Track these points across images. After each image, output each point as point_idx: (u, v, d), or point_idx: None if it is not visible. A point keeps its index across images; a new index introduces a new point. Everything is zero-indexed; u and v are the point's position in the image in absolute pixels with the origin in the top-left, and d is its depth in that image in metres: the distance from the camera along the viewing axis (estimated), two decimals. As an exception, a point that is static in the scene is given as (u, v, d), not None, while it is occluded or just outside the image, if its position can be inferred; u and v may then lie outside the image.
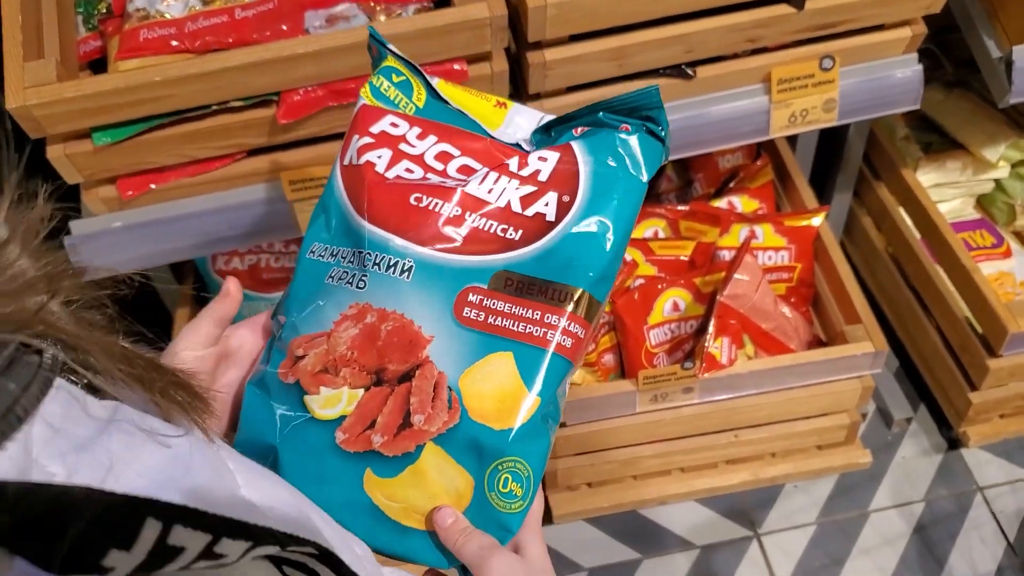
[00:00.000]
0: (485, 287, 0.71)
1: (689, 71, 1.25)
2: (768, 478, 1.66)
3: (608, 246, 0.72)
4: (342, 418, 0.71)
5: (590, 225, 0.72)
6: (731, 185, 1.75)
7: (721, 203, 1.72)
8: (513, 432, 0.68)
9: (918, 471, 1.76)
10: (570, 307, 0.70)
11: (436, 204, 0.73)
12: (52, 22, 1.16)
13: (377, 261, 0.72)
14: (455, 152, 0.77)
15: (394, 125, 0.78)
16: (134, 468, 0.43)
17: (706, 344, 1.45)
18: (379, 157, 0.76)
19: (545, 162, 0.74)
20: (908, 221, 1.73)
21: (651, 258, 1.62)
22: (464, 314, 0.70)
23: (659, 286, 1.57)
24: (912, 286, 1.75)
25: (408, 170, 0.76)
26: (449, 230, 0.72)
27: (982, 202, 1.84)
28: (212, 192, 1.23)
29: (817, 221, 1.63)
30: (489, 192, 0.74)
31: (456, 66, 1.14)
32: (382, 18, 1.16)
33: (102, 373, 0.45)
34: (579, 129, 0.77)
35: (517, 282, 0.71)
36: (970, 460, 1.76)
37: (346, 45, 1.07)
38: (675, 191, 1.79)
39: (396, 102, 0.80)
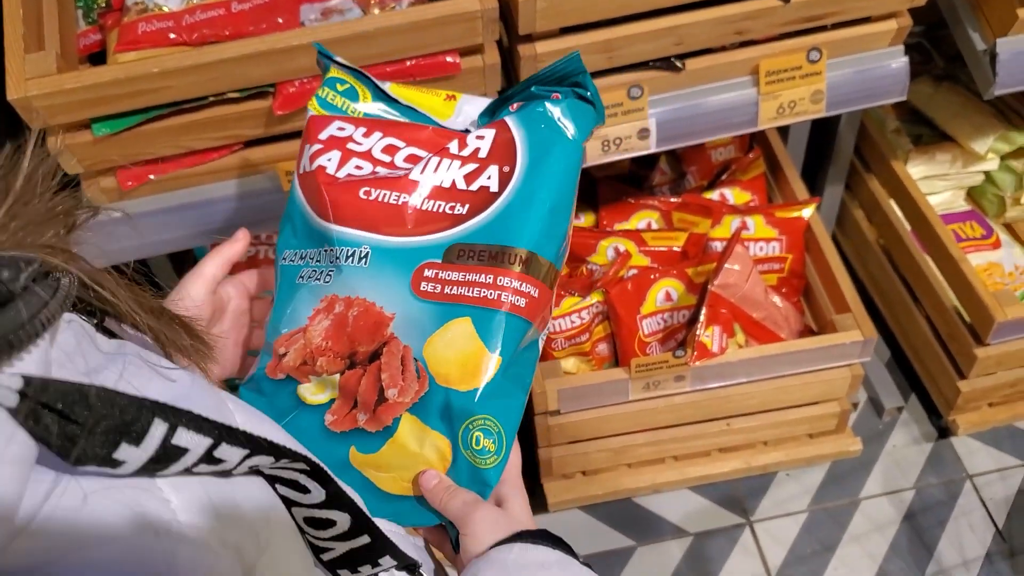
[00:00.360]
0: (439, 261, 0.75)
1: (678, 63, 1.27)
2: (760, 466, 1.68)
3: (547, 206, 0.76)
4: (331, 401, 0.76)
5: (530, 189, 0.76)
6: (723, 177, 1.77)
7: (713, 195, 1.75)
8: (479, 392, 0.73)
9: (908, 459, 1.78)
10: (517, 267, 0.74)
11: (385, 195, 0.78)
12: (52, 15, 1.18)
13: (338, 255, 0.77)
14: (400, 144, 0.82)
15: (340, 128, 0.83)
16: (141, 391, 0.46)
17: (697, 333, 1.48)
18: (329, 160, 0.81)
19: (483, 139, 0.79)
20: (899, 213, 1.75)
21: (644, 249, 1.65)
22: (422, 288, 0.75)
23: (652, 276, 1.59)
24: (902, 277, 1.78)
25: (357, 167, 0.81)
26: (400, 215, 0.77)
27: (972, 194, 1.86)
28: (210, 183, 1.25)
29: (808, 213, 1.65)
30: (435, 174, 0.78)
31: (449, 58, 1.16)
32: (376, 11, 1.18)
33: (115, 309, 0.48)
34: (515, 104, 0.81)
35: (467, 251, 0.75)
36: (960, 448, 1.79)
37: (340, 37, 1.09)
38: (668, 183, 1.82)
39: (343, 108, 0.87)
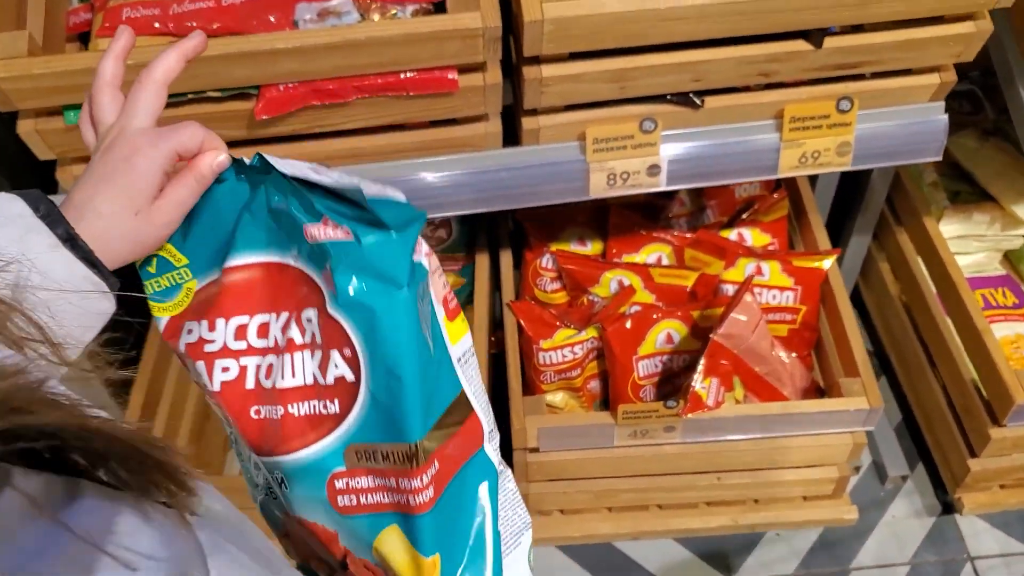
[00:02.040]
0: (344, 469, 0.66)
1: (696, 100, 1.18)
2: (748, 524, 1.60)
3: (410, 380, 0.62)
4: None
5: (381, 372, 0.62)
6: (744, 216, 1.67)
7: (732, 234, 1.65)
8: None
9: (907, 532, 1.68)
10: (415, 464, 0.63)
11: (270, 411, 0.67)
12: (41, -10, 1.12)
13: (269, 481, 0.70)
14: (245, 319, 0.69)
15: (189, 332, 0.70)
16: None
17: (693, 383, 1.39)
18: (204, 373, 0.70)
19: (311, 322, 0.65)
20: (925, 272, 1.65)
21: (650, 285, 1.56)
22: (340, 504, 0.66)
23: (654, 316, 1.50)
24: (922, 340, 1.68)
25: (225, 369, 0.69)
26: (289, 428, 0.66)
27: (1010, 258, 1.75)
28: (188, 180, 1.18)
29: (827, 264, 1.55)
30: (293, 378, 0.66)
31: (449, 75, 1.08)
32: (376, 16, 1.10)
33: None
34: (309, 232, 0.64)
35: (365, 453, 0.65)
36: (964, 527, 1.69)
37: (328, 44, 1.01)
38: (686, 216, 1.72)
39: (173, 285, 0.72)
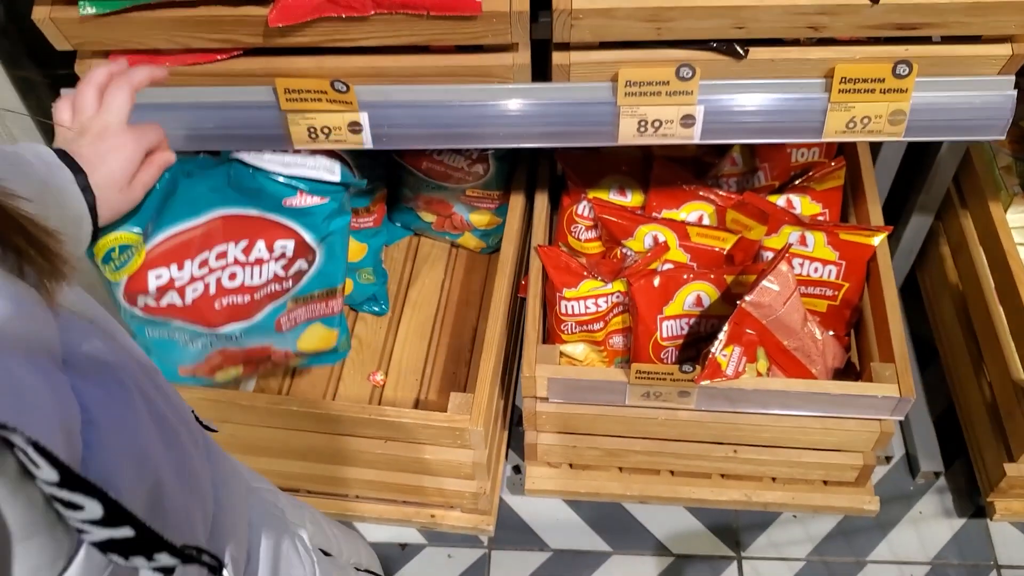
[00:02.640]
0: (286, 310, 1.27)
1: (740, 50, 1.11)
2: (762, 502, 1.54)
3: (343, 259, 1.31)
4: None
5: (332, 259, 1.29)
6: (797, 182, 1.59)
7: (780, 200, 1.57)
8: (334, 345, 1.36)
9: (933, 531, 1.60)
10: (337, 293, 1.32)
11: (236, 299, 1.22)
12: None
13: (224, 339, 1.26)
14: (205, 255, 1.19)
15: (158, 276, 1.16)
16: None
17: (713, 349, 1.33)
18: (178, 298, 1.20)
19: (285, 247, 1.23)
20: (984, 260, 1.55)
21: (685, 244, 1.49)
22: (283, 327, 1.28)
23: (684, 276, 1.44)
24: (974, 331, 1.58)
25: (195, 290, 1.20)
26: (254, 306, 1.24)
27: (1083, 255, 1.63)
28: (206, 86, 1.16)
29: (877, 241, 1.46)
30: (260, 278, 1.23)
31: (470, -4, 1.03)
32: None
33: None
34: (289, 201, 1.24)
35: (303, 298, 1.28)
36: (995, 533, 1.60)
37: (343, -48, 0.97)
38: (737, 176, 1.64)
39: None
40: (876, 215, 1.52)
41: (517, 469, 1.70)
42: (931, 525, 1.61)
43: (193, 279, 1.18)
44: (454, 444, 1.36)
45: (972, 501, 1.63)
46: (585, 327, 1.49)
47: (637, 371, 1.34)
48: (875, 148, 1.60)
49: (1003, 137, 1.16)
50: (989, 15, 1.04)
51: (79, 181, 0.85)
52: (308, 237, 1.22)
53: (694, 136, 1.17)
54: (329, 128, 1.19)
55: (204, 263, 1.18)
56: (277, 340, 1.29)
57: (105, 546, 0.45)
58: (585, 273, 1.47)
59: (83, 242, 0.88)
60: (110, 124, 0.91)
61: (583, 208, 1.58)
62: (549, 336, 1.53)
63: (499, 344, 1.42)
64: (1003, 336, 1.48)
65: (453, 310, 1.69)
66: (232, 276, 1.21)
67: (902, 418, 1.37)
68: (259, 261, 1.22)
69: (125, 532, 0.45)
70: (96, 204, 0.87)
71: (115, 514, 0.44)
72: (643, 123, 1.16)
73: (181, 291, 1.18)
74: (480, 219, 1.69)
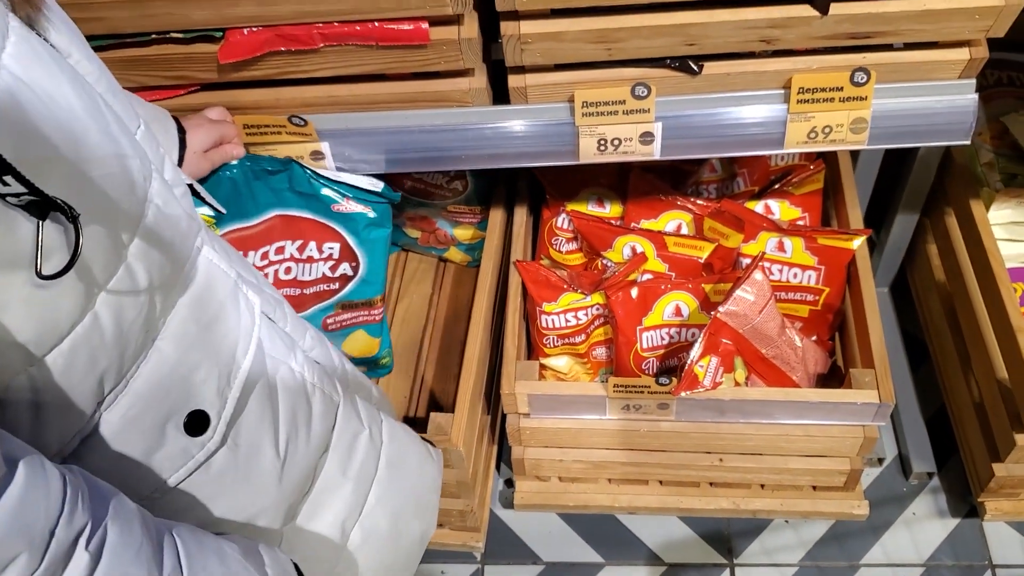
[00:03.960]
0: (333, 312, 1.39)
1: (694, 66, 1.10)
2: (751, 510, 1.53)
3: (383, 270, 1.40)
4: None
5: (374, 267, 1.38)
6: (776, 187, 1.58)
7: (758, 206, 1.56)
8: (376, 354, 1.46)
9: (926, 532, 1.59)
10: (379, 302, 1.41)
11: (291, 292, 1.36)
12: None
13: None
14: (267, 248, 1.34)
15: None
16: None
17: (690, 360, 1.33)
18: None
19: (333, 248, 1.35)
20: (968, 259, 1.53)
21: (663, 253, 1.49)
22: (328, 327, 1.40)
23: (662, 286, 1.44)
24: (960, 331, 1.56)
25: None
26: (305, 300, 1.37)
27: (1071, 249, 1.61)
28: (168, 121, 1.17)
29: (856, 244, 1.45)
30: (311, 275, 1.36)
31: (422, 26, 1.03)
32: (351, -38, 1.05)
33: None
34: (337, 207, 1.31)
35: (349, 303, 1.39)
36: (990, 533, 1.58)
37: (286, -11, 0.97)
38: (716, 182, 1.64)
39: None
40: (856, 218, 1.51)
41: (510, 483, 1.71)
42: (924, 526, 1.60)
43: (254, 267, 1.26)
44: (436, 463, 1.36)
45: (966, 501, 1.61)
46: (567, 340, 1.50)
47: (615, 385, 1.34)
48: (855, 150, 1.58)
49: (968, 142, 1.15)
50: (941, 22, 1.04)
51: (180, 136, 1.06)
52: (352, 241, 1.34)
53: (654, 153, 1.17)
54: (291, 158, 1.20)
55: (265, 255, 1.32)
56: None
57: None
58: (565, 286, 1.47)
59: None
60: (204, 119, 1.12)
61: (563, 220, 1.58)
62: (532, 350, 1.54)
63: (480, 363, 1.43)
64: (987, 335, 1.46)
65: (441, 325, 1.69)
66: (288, 270, 1.34)
67: (884, 423, 1.36)
68: (310, 259, 1.34)
69: None
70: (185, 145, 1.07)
71: None
72: (603, 142, 1.16)
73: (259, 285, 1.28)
74: (464, 233, 1.69)
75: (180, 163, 1.04)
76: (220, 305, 0.78)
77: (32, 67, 0.59)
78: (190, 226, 0.76)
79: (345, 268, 1.36)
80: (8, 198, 0.54)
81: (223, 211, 1.16)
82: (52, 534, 0.52)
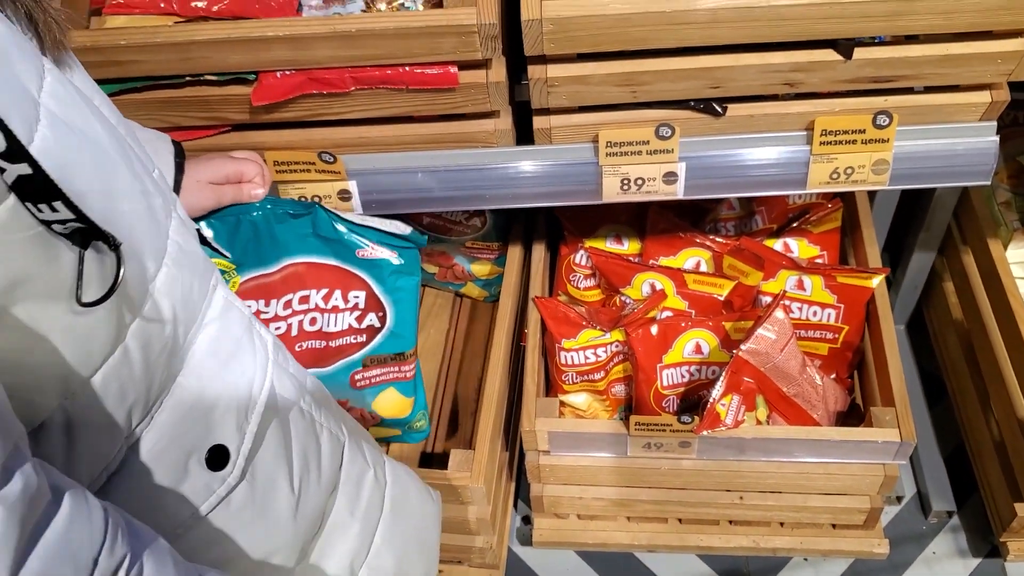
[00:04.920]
0: (361, 367, 1.31)
1: (718, 108, 1.12)
2: (770, 548, 1.53)
3: (414, 322, 1.33)
4: None
5: (403, 320, 1.31)
6: (795, 224, 1.59)
7: (777, 244, 1.57)
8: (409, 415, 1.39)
9: (947, 572, 1.58)
10: (408, 357, 1.33)
11: (314, 344, 1.28)
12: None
13: None
14: (290, 296, 1.27)
15: (248, 306, 0.97)
16: None
17: (712, 398, 1.33)
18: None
19: (358, 297, 1.28)
20: (987, 298, 1.54)
21: (683, 291, 1.50)
22: (357, 384, 1.32)
23: (682, 324, 1.44)
24: (980, 369, 1.56)
25: (277, 328, 1.26)
26: (331, 353, 1.29)
27: (1088, 287, 1.61)
28: (197, 160, 1.19)
29: (875, 282, 1.46)
30: (337, 325, 1.29)
31: (450, 70, 1.05)
32: (381, 6, 1.07)
33: None
34: (362, 252, 1.25)
35: (378, 358, 1.31)
36: (1012, 573, 1.57)
37: (318, 34, 0.99)
38: (734, 220, 1.65)
39: None
40: (874, 256, 1.51)
41: (527, 520, 1.70)
42: (945, 566, 1.59)
43: (277, 317, 1.24)
44: (456, 501, 1.36)
45: (987, 540, 1.61)
46: (586, 377, 1.50)
47: (636, 423, 1.35)
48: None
49: (988, 182, 1.16)
50: (963, 66, 1.05)
51: (175, 151, 1.01)
52: (377, 289, 1.27)
53: (677, 192, 1.18)
54: (319, 196, 1.21)
55: (288, 304, 1.25)
56: (353, 397, 1.32)
57: (21, 194, 0.54)
58: (584, 323, 1.47)
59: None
60: (222, 154, 1.10)
61: (581, 257, 1.59)
62: (551, 386, 1.54)
63: (499, 399, 1.43)
64: (1007, 374, 1.46)
65: (458, 360, 1.70)
66: (312, 321, 1.27)
67: (905, 462, 1.36)
68: (336, 309, 1.27)
69: (24, 169, 0.53)
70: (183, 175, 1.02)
71: (14, 149, 0.53)
72: (626, 181, 1.17)
73: (265, 325, 1.19)
74: (481, 269, 1.70)
75: (177, 189, 1.01)
76: (236, 341, 0.79)
77: (67, 106, 0.61)
78: (207, 264, 0.78)
79: (372, 319, 1.28)
80: (54, 226, 0.56)
81: (227, 255, 1.14)
82: (96, 563, 0.53)
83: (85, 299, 0.58)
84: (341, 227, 1.23)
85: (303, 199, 1.21)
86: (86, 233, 0.58)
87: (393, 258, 1.26)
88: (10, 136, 0.52)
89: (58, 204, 0.55)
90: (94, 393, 0.63)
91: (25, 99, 0.57)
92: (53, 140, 0.57)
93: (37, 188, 0.54)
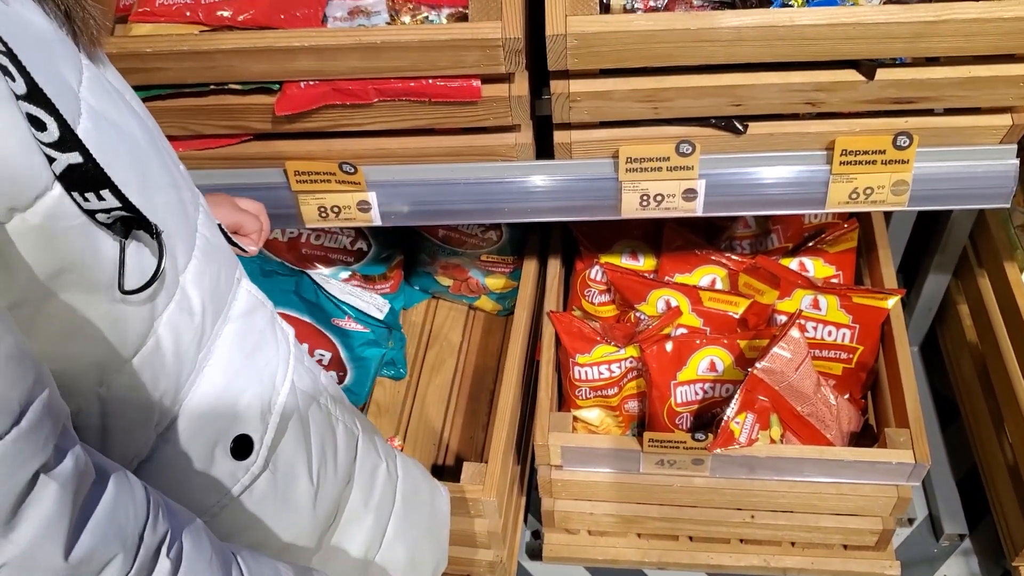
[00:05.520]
0: None
1: (739, 125, 1.12)
2: (781, 568, 1.52)
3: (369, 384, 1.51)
4: None
5: (360, 379, 1.47)
6: (811, 244, 1.59)
7: (793, 263, 1.57)
8: None
9: (958, 596, 1.58)
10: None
11: None
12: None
13: None
14: None
15: None
16: None
17: (727, 416, 1.33)
18: None
19: (323, 357, 1.41)
20: (1002, 322, 1.53)
21: (698, 308, 1.50)
22: None
23: (697, 341, 1.44)
24: (993, 392, 1.56)
25: None
26: None
27: (1105, 312, 1.61)
28: (218, 169, 1.19)
29: (890, 303, 1.46)
30: None
31: (473, 83, 1.05)
32: (406, 19, 1.08)
33: None
34: (336, 321, 1.40)
35: None
36: (1023, 597, 1.56)
37: (343, 45, 1.00)
38: (750, 238, 1.65)
39: None
40: (890, 277, 1.51)
41: (536, 534, 1.70)
42: (956, 589, 1.58)
43: None
44: (468, 514, 1.36)
45: (999, 564, 1.60)
46: (599, 392, 1.50)
47: (650, 439, 1.34)
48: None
49: (1007, 205, 1.16)
50: (984, 89, 1.05)
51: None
52: (344, 355, 1.37)
53: (696, 209, 1.18)
54: (339, 207, 1.22)
55: None
56: None
57: (68, 183, 0.55)
58: (598, 338, 1.47)
59: None
60: (233, 203, 1.03)
61: (596, 272, 1.60)
62: (564, 402, 1.54)
63: (512, 413, 1.43)
64: (1022, 397, 1.46)
65: (471, 373, 1.70)
66: None
67: (918, 483, 1.36)
68: None
69: (75, 158, 0.54)
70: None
71: (66, 137, 0.54)
72: (645, 197, 1.17)
73: None
74: (495, 283, 1.70)
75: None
76: (260, 334, 0.81)
77: (103, 100, 0.62)
78: (231, 258, 0.80)
79: (332, 376, 1.34)
80: (98, 215, 0.57)
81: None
82: (141, 538, 0.55)
83: (127, 287, 0.60)
84: (322, 295, 1.29)
85: (322, 209, 1.22)
86: (128, 222, 0.59)
87: (365, 332, 1.35)
88: (63, 124, 0.54)
89: (105, 192, 0.56)
90: (128, 382, 0.64)
91: (68, 93, 0.58)
92: (95, 133, 0.58)
93: (86, 176, 0.55)
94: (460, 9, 1.10)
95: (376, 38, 0.99)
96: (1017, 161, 1.14)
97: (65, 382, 0.58)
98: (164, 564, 0.56)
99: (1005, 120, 1.11)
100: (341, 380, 1.34)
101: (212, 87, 1.07)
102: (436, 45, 0.99)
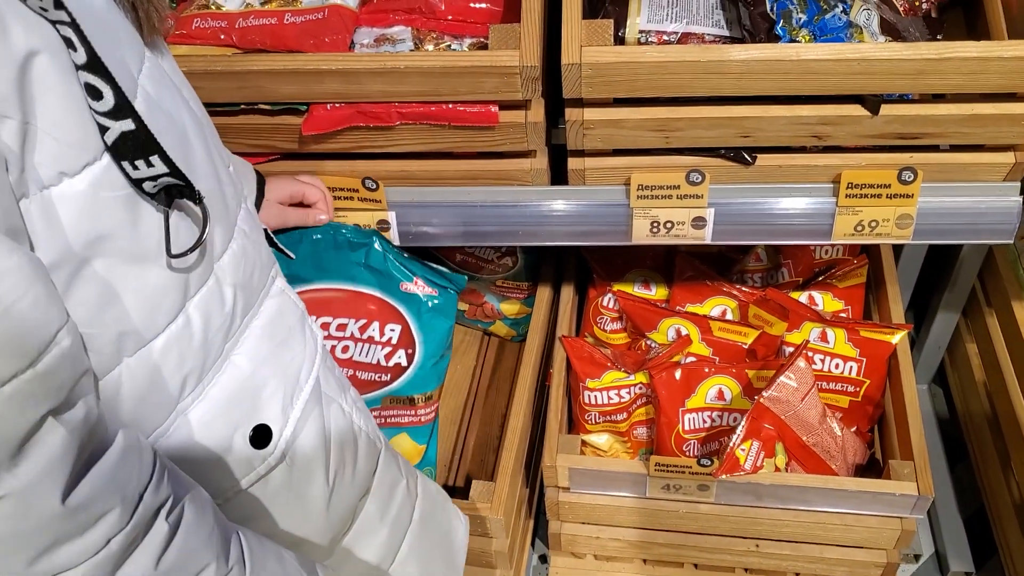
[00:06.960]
0: (380, 405, 1.35)
1: (748, 157, 1.15)
2: (785, 598, 1.53)
3: (436, 365, 1.37)
4: None
5: (428, 360, 1.35)
6: (820, 278, 1.61)
7: (803, 296, 1.60)
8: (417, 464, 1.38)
9: (962, 634, 1.58)
10: (428, 400, 1.36)
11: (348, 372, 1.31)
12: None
13: None
14: (328, 319, 1.33)
15: None
16: None
17: (732, 443, 1.35)
18: None
19: (394, 331, 1.32)
20: (1010, 361, 1.55)
21: (707, 337, 1.52)
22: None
23: (706, 369, 1.47)
24: (1001, 431, 1.57)
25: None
26: (355, 385, 1.10)
27: (1115, 354, 1.62)
28: (245, 186, 1.24)
29: (897, 339, 1.48)
30: (367, 356, 1.33)
31: (491, 109, 1.10)
32: (429, 47, 1.13)
33: None
34: (406, 285, 1.31)
35: (396, 398, 1.35)
36: (1029, 637, 1.56)
37: (369, 69, 1.04)
38: (761, 272, 1.68)
39: None
40: (898, 313, 1.53)
41: (544, 559, 1.72)
42: (961, 628, 1.59)
43: None
44: (475, 532, 1.38)
45: (1005, 604, 1.60)
46: (609, 417, 1.52)
47: (656, 464, 1.37)
48: (899, 245, 1.62)
49: (1011, 241, 1.19)
50: (988, 126, 1.08)
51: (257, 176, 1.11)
52: (413, 325, 1.32)
53: (705, 237, 1.21)
54: (359, 226, 1.26)
55: (326, 326, 1.31)
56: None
57: (118, 153, 0.58)
58: (609, 364, 1.50)
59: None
60: (292, 178, 1.18)
61: (608, 300, 1.63)
62: (574, 426, 1.56)
63: (522, 434, 1.46)
64: (1028, 436, 1.47)
65: (483, 397, 1.73)
66: (345, 348, 1.32)
67: (923, 516, 1.37)
68: (371, 340, 1.32)
69: (128, 124, 0.58)
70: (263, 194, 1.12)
71: (121, 104, 0.57)
72: (655, 224, 1.21)
73: None
74: (510, 308, 1.74)
75: (257, 207, 1.10)
76: (289, 330, 0.84)
77: (160, 89, 0.66)
78: (269, 257, 0.83)
79: (401, 357, 1.33)
80: (145, 184, 0.61)
81: (292, 255, 1.16)
82: (141, 498, 0.57)
83: (174, 251, 0.64)
84: (391, 259, 1.28)
85: (356, 226, 1.26)
86: (171, 191, 0.63)
87: (433, 294, 1.31)
88: (119, 93, 0.57)
89: (154, 158, 0.60)
90: (156, 357, 0.67)
91: (127, 76, 0.61)
92: (147, 115, 0.62)
93: (137, 143, 0.59)
94: (482, 39, 1.14)
95: (400, 63, 1.04)
96: (1020, 198, 1.16)
97: (94, 348, 0.62)
98: (161, 526, 0.59)
99: (1008, 158, 1.13)
100: (410, 361, 1.33)
101: (243, 107, 1.12)
102: (457, 71, 1.04)
